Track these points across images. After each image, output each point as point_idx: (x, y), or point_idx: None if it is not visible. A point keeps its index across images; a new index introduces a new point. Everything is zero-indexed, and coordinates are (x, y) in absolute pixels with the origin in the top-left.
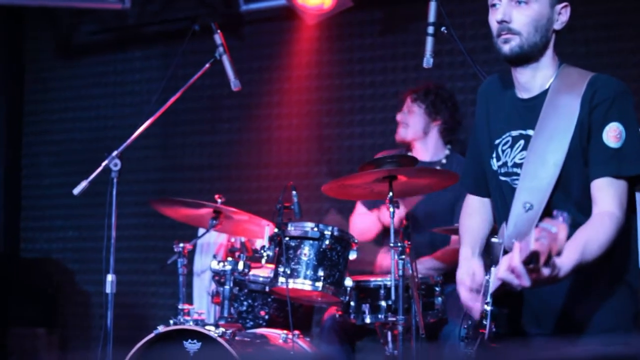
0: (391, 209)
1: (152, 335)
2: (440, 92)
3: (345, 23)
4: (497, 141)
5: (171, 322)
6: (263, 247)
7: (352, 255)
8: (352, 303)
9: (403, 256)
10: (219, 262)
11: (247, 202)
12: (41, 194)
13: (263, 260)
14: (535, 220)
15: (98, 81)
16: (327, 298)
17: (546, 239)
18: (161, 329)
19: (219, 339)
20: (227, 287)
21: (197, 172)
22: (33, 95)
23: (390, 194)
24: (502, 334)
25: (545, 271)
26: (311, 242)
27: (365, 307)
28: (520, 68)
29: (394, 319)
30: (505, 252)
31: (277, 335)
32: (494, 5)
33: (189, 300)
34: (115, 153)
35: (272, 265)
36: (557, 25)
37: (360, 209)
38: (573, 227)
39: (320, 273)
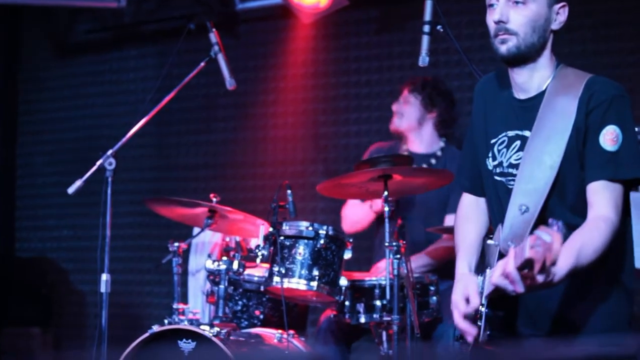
0: (386, 209)
1: (146, 334)
2: (438, 85)
3: (341, 22)
4: (493, 141)
5: (166, 321)
6: (258, 246)
7: (347, 255)
8: (346, 302)
9: (398, 255)
10: (214, 261)
11: (242, 201)
12: (36, 193)
13: (258, 260)
14: (531, 223)
15: (93, 80)
16: (322, 297)
17: (541, 247)
18: (156, 328)
19: (214, 339)
20: (221, 286)
21: (192, 171)
22: (27, 94)
23: (386, 193)
24: (496, 337)
25: (540, 278)
26: (306, 241)
27: (360, 307)
28: (518, 68)
29: (388, 318)
30: (501, 254)
31: (271, 334)
32: (491, 5)
33: (184, 299)
34: (109, 152)
35: (267, 265)
36: (555, 26)
37: (351, 202)
38: (568, 229)
39: (315, 272)
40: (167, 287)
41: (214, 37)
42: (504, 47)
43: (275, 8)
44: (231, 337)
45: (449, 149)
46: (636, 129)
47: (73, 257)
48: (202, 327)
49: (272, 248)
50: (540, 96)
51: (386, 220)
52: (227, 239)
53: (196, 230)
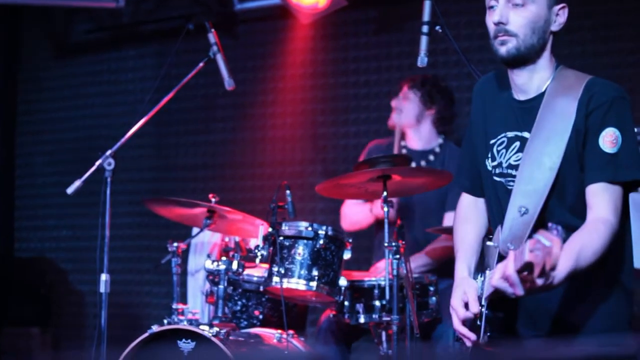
0: (385, 209)
1: (146, 334)
2: (438, 82)
3: (340, 22)
4: (492, 141)
5: (165, 321)
6: (257, 246)
7: (347, 255)
8: (346, 303)
9: (397, 256)
10: (213, 261)
11: (241, 202)
12: (35, 194)
13: (257, 260)
14: (531, 225)
15: (92, 80)
16: (321, 298)
17: (540, 251)
18: (155, 328)
19: (213, 339)
20: (221, 286)
21: (191, 171)
22: (27, 94)
23: (385, 193)
24: (496, 338)
25: (539, 281)
26: (305, 241)
27: (360, 307)
28: (517, 70)
29: (388, 318)
30: (500, 255)
31: (271, 334)
32: (491, 7)
33: (183, 299)
34: (109, 152)
35: (266, 265)
36: (555, 27)
37: (350, 202)
38: (568, 230)
39: (315, 273)
40: (167, 287)
41: (212, 37)
42: (504, 49)
43: (273, 8)
44: (230, 337)
45: (448, 145)
46: (636, 130)
47: (72, 257)
48: (201, 327)
49: (271, 248)
50: (539, 97)
51: (385, 220)
52: (227, 239)
53: (195, 230)
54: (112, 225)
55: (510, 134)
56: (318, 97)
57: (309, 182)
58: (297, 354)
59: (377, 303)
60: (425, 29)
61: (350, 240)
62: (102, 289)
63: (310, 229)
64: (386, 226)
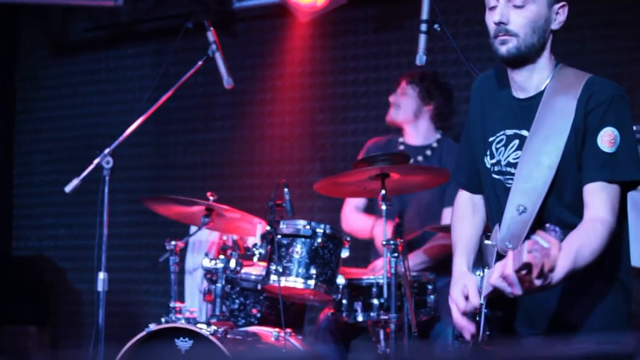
0: (384, 207)
1: (143, 333)
2: (436, 78)
3: (339, 20)
4: (491, 139)
5: (163, 320)
6: (255, 245)
7: (345, 253)
8: (344, 301)
9: (395, 254)
10: (211, 260)
11: (239, 200)
12: (33, 192)
13: (255, 258)
14: (529, 223)
15: (90, 79)
16: (319, 296)
17: (539, 253)
18: (153, 327)
19: (211, 337)
20: (219, 285)
21: (190, 169)
22: (25, 93)
23: (383, 191)
24: (495, 336)
25: (538, 282)
26: (303, 240)
27: (358, 305)
28: (517, 69)
29: (386, 317)
30: (499, 254)
31: (269, 333)
32: (492, 7)
33: (181, 298)
34: (107, 151)
35: (264, 263)
36: (555, 25)
37: (352, 201)
38: (567, 229)
39: (313, 271)
40: (164, 285)
41: (211, 35)
42: (504, 48)
43: (272, 6)
44: (228, 336)
45: (445, 140)
46: (634, 128)
47: (70, 255)
48: (199, 325)
49: (269, 246)
50: (539, 96)
51: (384, 219)
52: (225, 238)
53: (193, 228)
54: (110, 224)
55: (509, 132)
56: (317, 95)
57: (307, 180)
58: (294, 353)
59: (375, 301)
60: (423, 27)
61: (349, 239)
62: (100, 288)
63: (308, 227)
64: (384, 224)
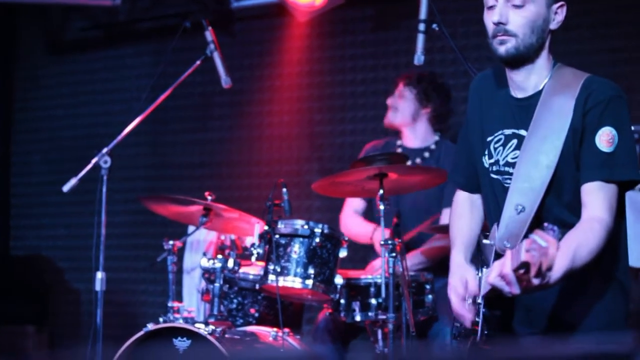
0: (382, 207)
1: (141, 333)
2: (434, 79)
3: (337, 20)
4: (489, 138)
5: (161, 319)
6: (253, 244)
7: (343, 253)
8: (342, 301)
9: (393, 254)
10: (209, 259)
11: (237, 200)
12: (31, 192)
13: (253, 258)
14: (527, 223)
15: (88, 78)
16: (317, 296)
17: (536, 252)
18: (151, 326)
19: (209, 337)
20: (217, 284)
21: (188, 169)
22: (23, 92)
23: (381, 191)
24: (494, 336)
25: (536, 281)
26: (301, 239)
27: (356, 305)
28: (515, 69)
29: (384, 316)
30: (497, 253)
31: (267, 333)
32: (490, 6)
33: (179, 297)
34: (105, 150)
35: (262, 263)
36: (553, 25)
37: (352, 202)
38: (566, 228)
39: (311, 271)
40: (162, 285)
41: (209, 35)
42: (503, 48)
43: (270, 6)
44: (226, 335)
45: (443, 142)
46: (632, 128)
47: (68, 255)
48: (197, 325)
49: (267, 246)
50: (537, 95)
51: (381, 219)
52: (222, 237)
53: (191, 228)
54: (108, 224)
55: (508, 132)
56: (315, 95)
57: (305, 180)
58: (292, 352)
59: (373, 301)
60: (422, 27)
61: (347, 239)
62: (97, 287)
63: (306, 227)
64: (382, 224)
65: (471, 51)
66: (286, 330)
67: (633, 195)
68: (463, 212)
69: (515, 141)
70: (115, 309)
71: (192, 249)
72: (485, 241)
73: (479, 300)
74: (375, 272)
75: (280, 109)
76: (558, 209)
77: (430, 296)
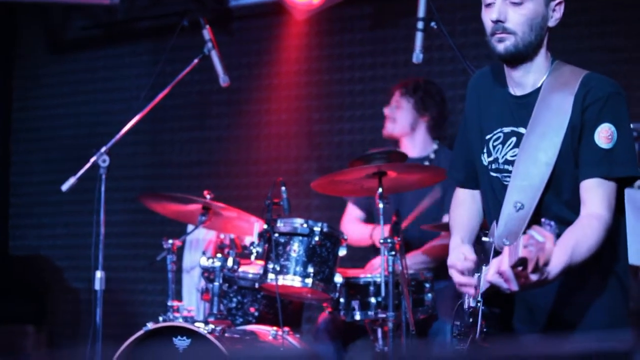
0: (381, 205)
1: (141, 332)
2: (429, 87)
3: (335, 18)
4: (488, 136)
5: (160, 318)
6: (252, 243)
7: (342, 252)
8: (341, 300)
9: (393, 252)
10: (208, 258)
11: (236, 199)
12: (30, 191)
13: (252, 257)
14: (526, 220)
15: (87, 77)
16: (317, 294)
17: (534, 247)
18: (150, 325)
19: (209, 336)
20: (216, 283)
21: (186, 168)
22: (23, 91)
23: (380, 189)
24: (493, 334)
25: (534, 277)
26: (300, 238)
27: (355, 304)
28: (514, 66)
29: (383, 315)
30: (496, 251)
31: (266, 331)
32: (488, 4)
33: (178, 297)
34: (103, 149)
35: (262, 262)
36: (551, 23)
37: (352, 211)
38: (565, 225)
39: (310, 269)
40: (162, 284)
41: (207, 33)
42: (502, 46)
43: (268, 5)
44: (226, 334)
45: (442, 150)
46: (631, 126)
47: (67, 254)
48: (196, 324)
49: (266, 245)
50: (535, 93)
51: (381, 217)
52: (222, 236)
53: (190, 227)
54: (107, 223)
55: (507, 130)
56: (313, 93)
57: (304, 178)
58: (292, 351)
59: (373, 300)
60: (420, 25)
61: (346, 237)
62: (97, 287)
63: (305, 225)
64: (382, 223)
65: (470, 49)
66: (286, 329)
67: (632, 192)
68: (462, 202)
69: (514, 139)
70: (114, 308)
71: (191, 247)
72: (484, 239)
73: (479, 298)
74: (375, 270)
75: (278, 107)
76: (557, 206)
77: (429, 295)
